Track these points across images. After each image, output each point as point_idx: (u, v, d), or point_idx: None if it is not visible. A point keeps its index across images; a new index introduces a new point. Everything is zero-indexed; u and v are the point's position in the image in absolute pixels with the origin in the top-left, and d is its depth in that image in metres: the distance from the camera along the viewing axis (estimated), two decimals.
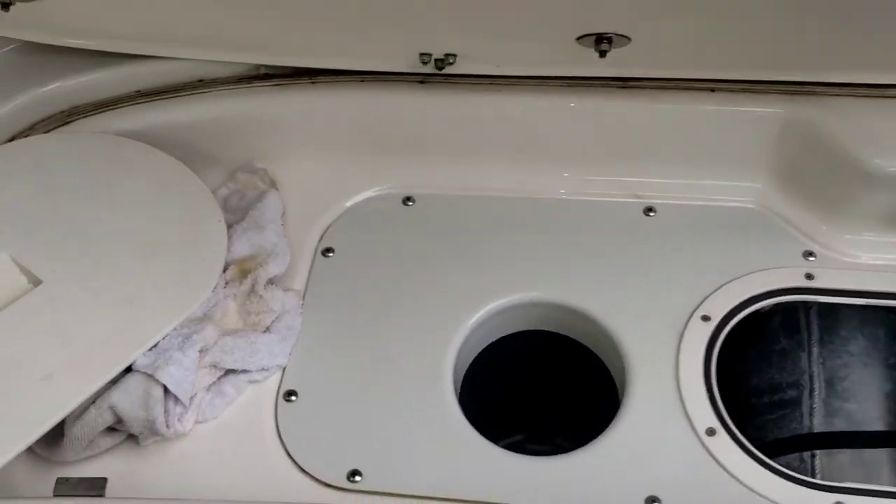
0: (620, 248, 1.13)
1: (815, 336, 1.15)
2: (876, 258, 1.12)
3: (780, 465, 0.94)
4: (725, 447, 0.95)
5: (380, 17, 1.01)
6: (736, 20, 0.97)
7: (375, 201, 1.19)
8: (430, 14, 0.99)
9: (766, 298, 1.08)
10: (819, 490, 0.92)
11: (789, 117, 1.12)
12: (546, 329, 1.13)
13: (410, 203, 1.19)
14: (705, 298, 1.07)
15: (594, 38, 0.96)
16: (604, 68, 1.07)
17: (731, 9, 0.94)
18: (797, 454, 1.13)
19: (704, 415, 0.97)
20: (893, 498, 0.92)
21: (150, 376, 0.91)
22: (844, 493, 0.92)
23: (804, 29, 0.99)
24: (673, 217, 1.16)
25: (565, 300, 1.08)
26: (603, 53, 0.97)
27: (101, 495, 0.87)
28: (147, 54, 1.13)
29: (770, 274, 1.10)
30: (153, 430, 0.93)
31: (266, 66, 1.16)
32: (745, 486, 0.92)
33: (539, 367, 1.25)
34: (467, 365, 1.10)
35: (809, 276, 1.10)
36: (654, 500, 0.91)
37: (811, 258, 1.12)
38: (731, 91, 1.12)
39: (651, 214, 1.16)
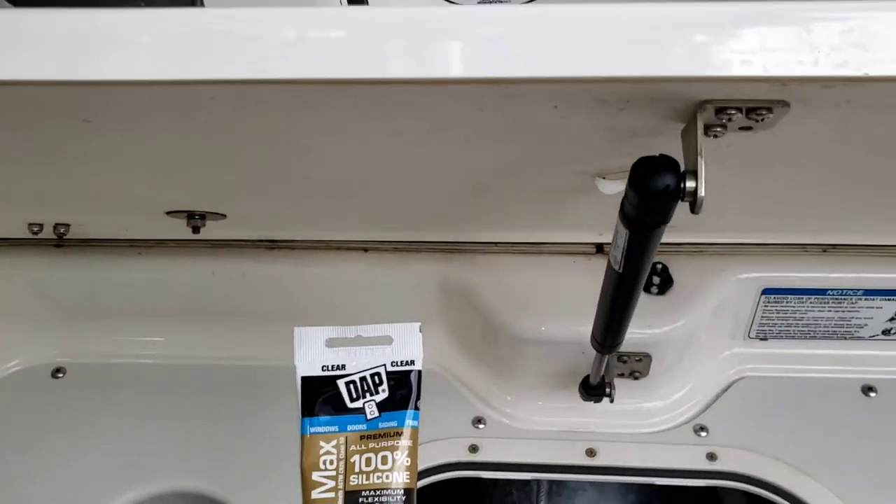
0: None
1: None
2: (544, 423, 1.04)
3: None
4: None
5: None
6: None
7: (12, 378, 1.08)
8: (18, 188, 0.89)
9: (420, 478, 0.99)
10: None
11: (447, 277, 1.03)
12: None
13: (60, 375, 1.08)
14: None
15: (185, 214, 0.88)
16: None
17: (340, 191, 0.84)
18: None
19: None
20: None
21: None
22: None
23: (450, 201, 0.90)
24: None
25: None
26: (196, 230, 0.88)
27: None
28: None
29: (432, 448, 1.00)
30: None
31: None
32: None
33: None
34: None
35: (474, 449, 1.01)
36: None
37: (480, 425, 1.04)
38: (384, 251, 1.04)
39: None
